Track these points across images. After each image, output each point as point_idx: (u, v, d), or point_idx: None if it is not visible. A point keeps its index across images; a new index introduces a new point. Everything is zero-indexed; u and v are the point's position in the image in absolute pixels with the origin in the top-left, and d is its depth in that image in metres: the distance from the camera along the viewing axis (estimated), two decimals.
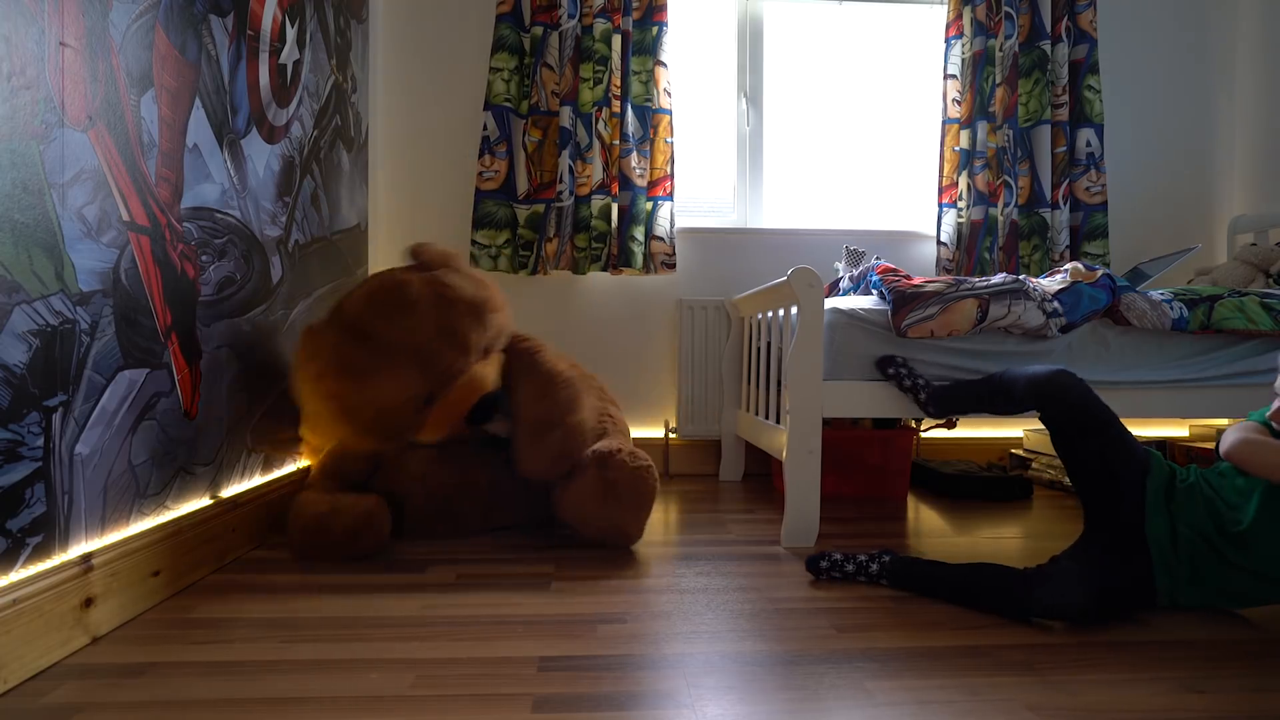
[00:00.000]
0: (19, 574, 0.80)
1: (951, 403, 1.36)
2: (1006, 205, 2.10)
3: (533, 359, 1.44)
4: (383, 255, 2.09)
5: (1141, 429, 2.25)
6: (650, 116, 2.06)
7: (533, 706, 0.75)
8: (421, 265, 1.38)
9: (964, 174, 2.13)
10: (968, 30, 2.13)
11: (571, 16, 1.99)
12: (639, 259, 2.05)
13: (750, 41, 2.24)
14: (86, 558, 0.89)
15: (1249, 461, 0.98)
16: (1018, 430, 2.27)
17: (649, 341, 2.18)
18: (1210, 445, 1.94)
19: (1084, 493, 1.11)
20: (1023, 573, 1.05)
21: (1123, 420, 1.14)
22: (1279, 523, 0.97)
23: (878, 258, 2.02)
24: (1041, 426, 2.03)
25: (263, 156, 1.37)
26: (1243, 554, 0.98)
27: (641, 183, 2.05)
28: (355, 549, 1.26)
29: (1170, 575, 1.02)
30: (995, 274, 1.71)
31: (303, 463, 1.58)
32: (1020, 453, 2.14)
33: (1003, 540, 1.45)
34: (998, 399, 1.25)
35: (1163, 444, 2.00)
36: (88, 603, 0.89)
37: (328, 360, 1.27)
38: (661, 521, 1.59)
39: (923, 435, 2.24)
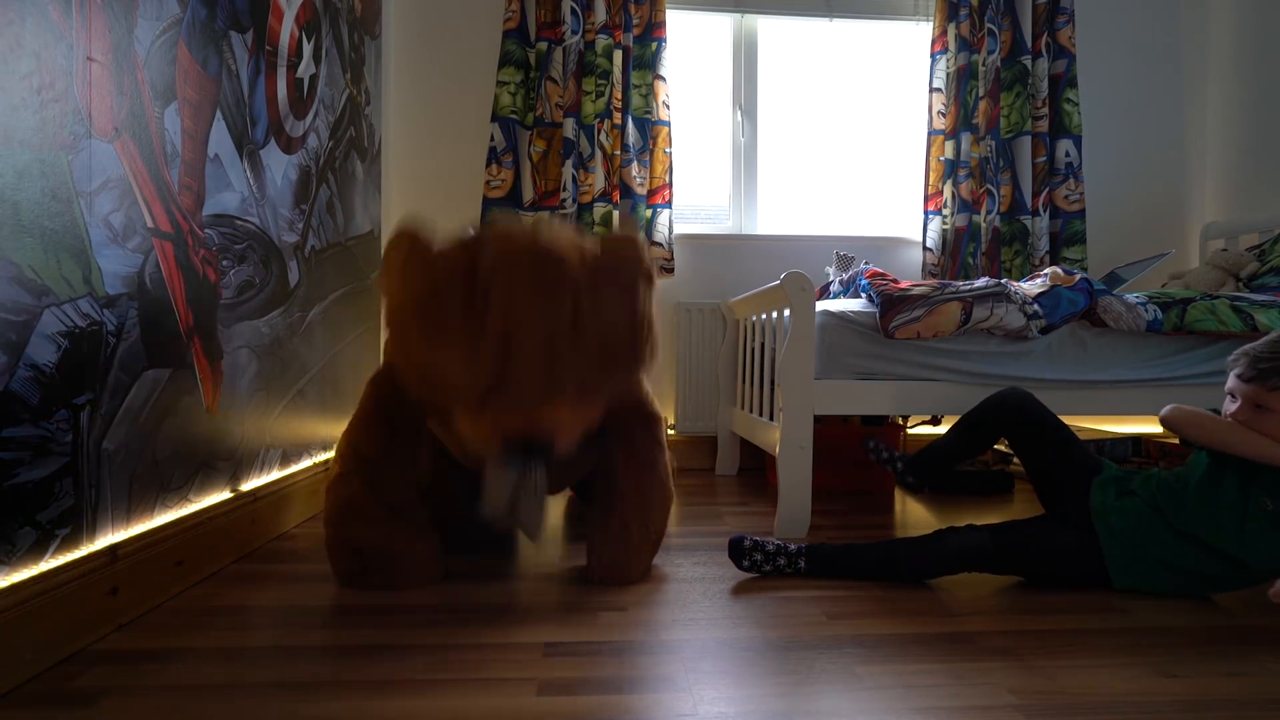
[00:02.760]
0: (49, 564, 0.83)
1: (929, 464, 1.34)
2: (989, 212, 2.16)
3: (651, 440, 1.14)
4: None
5: (1117, 424, 2.30)
6: (650, 128, 2.11)
7: (538, 690, 0.77)
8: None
9: (948, 183, 2.19)
10: (952, 46, 2.20)
11: (575, 32, 2.04)
12: None
13: (745, 57, 2.31)
14: (113, 548, 0.92)
15: (1180, 422, 1.07)
16: None
17: None
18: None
19: (1039, 485, 1.21)
20: (935, 532, 1.13)
21: (1099, 417, 1.21)
22: (1212, 488, 1.04)
23: (866, 262, 2.08)
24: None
25: (281, 166, 1.41)
26: (1183, 515, 1.05)
27: (641, 191, 2.10)
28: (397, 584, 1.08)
29: (1121, 547, 1.09)
30: (978, 278, 1.76)
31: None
32: (1003, 448, 2.20)
33: None
34: (965, 438, 1.29)
35: (1138, 439, 2.05)
36: (114, 591, 0.92)
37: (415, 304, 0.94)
38: None
39: (909, 432, 2.29)
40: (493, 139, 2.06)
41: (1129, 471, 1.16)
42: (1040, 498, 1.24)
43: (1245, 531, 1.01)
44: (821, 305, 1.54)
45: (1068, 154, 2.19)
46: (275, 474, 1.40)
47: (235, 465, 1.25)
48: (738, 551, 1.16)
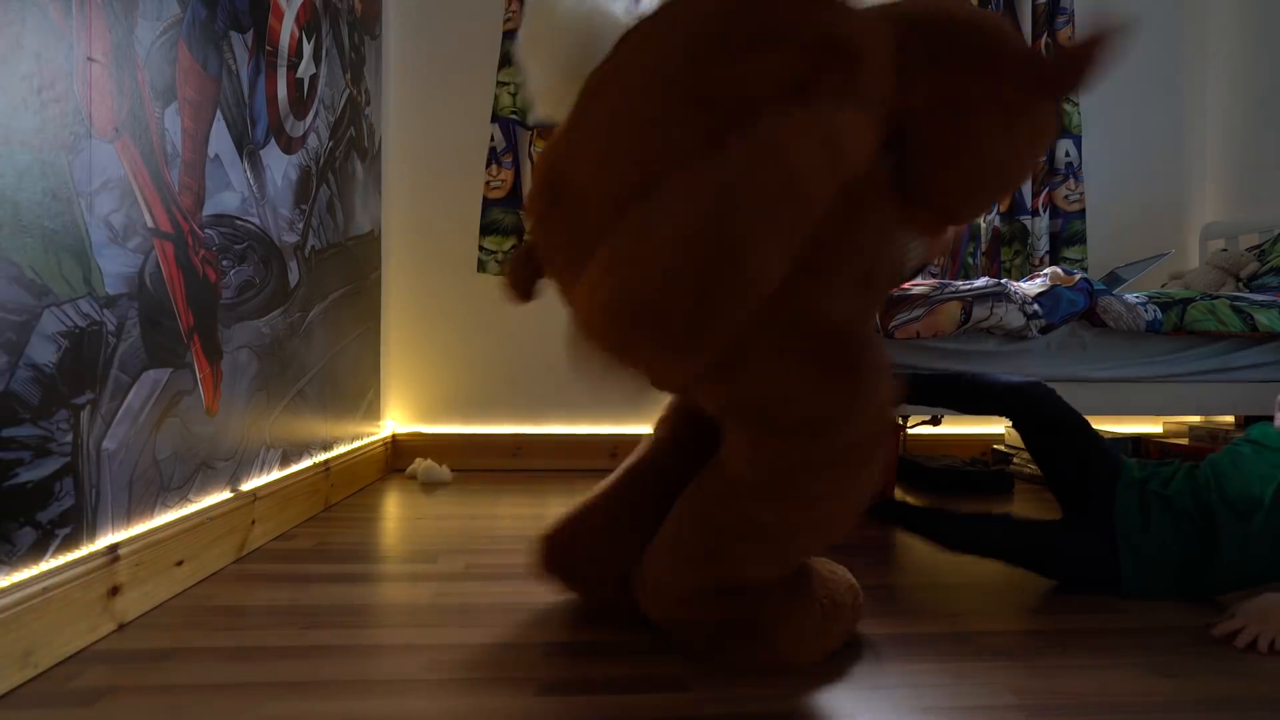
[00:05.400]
0: (48, 564, 0.82)
1: (917, 393, 1.31)
2: (989, 212, 2.17)
3: None
4: (396, 259, 2.13)
5: (1116, 425, 2.30)
6: None
7: (538, 690, 0.77)
8: None
9: None
10: None
11: None
12: None
13: None
14: (113, 548, 0.92)
15: None
16: (1000, 427, 2.33)
17: None
18: (1182, 440, 2.00)
19: (1057, 489, 1.17)
20: (985, 517, 1.14)
21: (1099, 417, 1.19)
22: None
23: None
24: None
25: (281, 166, 1.41)
26: (1260, 522, 1.00)
27: None
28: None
29: (1136, 554, 1.07)
30: (978, 278, 1.76)
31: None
32: (1002, 448, 2.20)
33: None
34: (966, 398, 1.24)
35: (1137, 440, 2.05)
36: (114, 591, 0.92)
37: None
38: None
39: (909, 432, 2.29)
40: (493, 139, 2.05)
41: (1152, 468, 1.11)
42: (1059, 500, 1.17)
43: None
44: None
45: (1068, 154, 2.19)
46: (275, 474, 1.40)
47: (235, 465, 1.25)
48: None
